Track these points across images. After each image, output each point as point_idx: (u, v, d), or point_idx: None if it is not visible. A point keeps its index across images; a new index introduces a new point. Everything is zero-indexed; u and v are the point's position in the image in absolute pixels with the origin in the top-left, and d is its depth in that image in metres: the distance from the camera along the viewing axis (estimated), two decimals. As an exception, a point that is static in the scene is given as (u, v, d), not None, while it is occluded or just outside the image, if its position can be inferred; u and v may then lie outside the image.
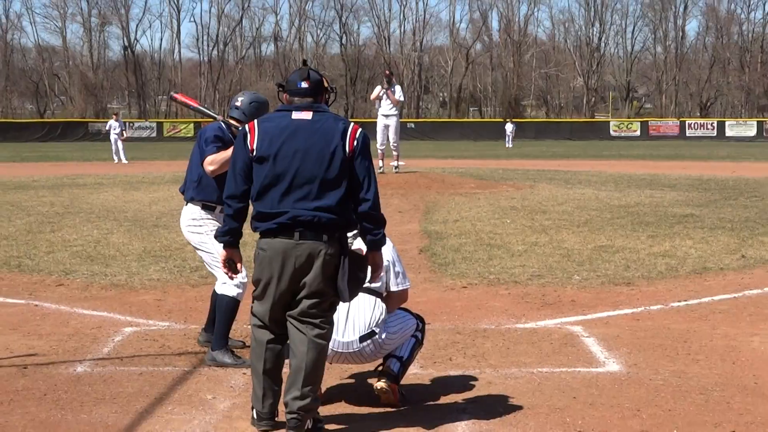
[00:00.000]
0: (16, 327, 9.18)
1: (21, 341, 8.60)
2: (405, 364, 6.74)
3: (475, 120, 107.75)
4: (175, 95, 9.21)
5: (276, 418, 6.08)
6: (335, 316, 6.16)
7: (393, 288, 6.73)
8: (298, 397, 5.81)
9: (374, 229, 5.99)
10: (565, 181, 28.82)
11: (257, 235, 5.92)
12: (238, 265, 6.15)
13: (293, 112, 5.97)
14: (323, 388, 6.79)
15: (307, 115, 5.95)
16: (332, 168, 5.83)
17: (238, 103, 8.20)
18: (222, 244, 6.14)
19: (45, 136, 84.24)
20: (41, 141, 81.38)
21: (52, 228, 16.98)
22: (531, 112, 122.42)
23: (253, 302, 6.07)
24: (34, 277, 11.99)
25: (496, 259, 13.24)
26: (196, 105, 8.58)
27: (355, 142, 5.90)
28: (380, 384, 6.58)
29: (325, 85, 6.20)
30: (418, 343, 6.87)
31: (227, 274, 6.20)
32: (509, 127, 70.98)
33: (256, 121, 6.06)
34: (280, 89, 6.22)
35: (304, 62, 6.37)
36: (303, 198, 5.82)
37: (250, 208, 6.02)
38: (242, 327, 8.92)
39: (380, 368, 6.74)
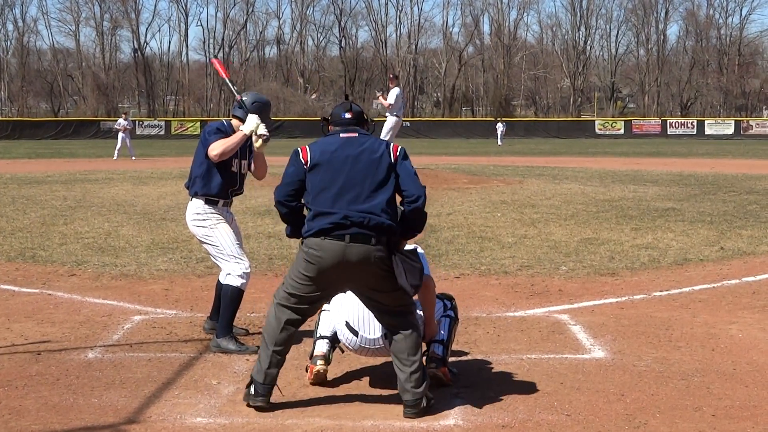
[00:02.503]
0: (30, 315, 9.15)
1: (35, 329, 8.57)
2: (447, 345, 6.82)
3: (467, 119, 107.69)
4: (214, 60, 9.17)
5: (270, 395, 6.16)
6: (359, 315, 6.46)
7: None
8: (410, 373, 6.09)
9: (418, 221, 6.26)
10: (552, 177, 28.82)
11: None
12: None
13: (341, 134, 6.33)
14: (332, 374, 6.80)
15: (354, 134, 6.34)
16: (380, 171, 6.14)
17: (242, 101, 8.15)
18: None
19: (59, 134, 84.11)
20: (55, 138, 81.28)
21: (64, 221, 16.95)
22: (520, 111, 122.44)
23: (284, 287, 6.25)
24: (47, 268, 11.96)
25: (487, 250, 13.22)
26: (226, 77, 8.52)
27: (398, 152, 6.26)
28: (431, 371, 6.62)
29: (365, 116, 6.61)
30: (454, 321, 6.96)
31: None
32: (500, 127, 70.90)
33: (307, 145, 6.36)
34: (324, 122, 6.61)
35: (346, 96, 6.90)
36: (354, 200, 6.05)
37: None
38: (245, 315, 8.90)
39: (426, 354, 6.78)
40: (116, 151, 43.73)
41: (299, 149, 6.29)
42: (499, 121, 75.60)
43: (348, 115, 6.46)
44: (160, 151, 47.86)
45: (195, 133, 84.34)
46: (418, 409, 6.02)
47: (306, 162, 6.19)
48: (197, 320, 8.91)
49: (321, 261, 6.02)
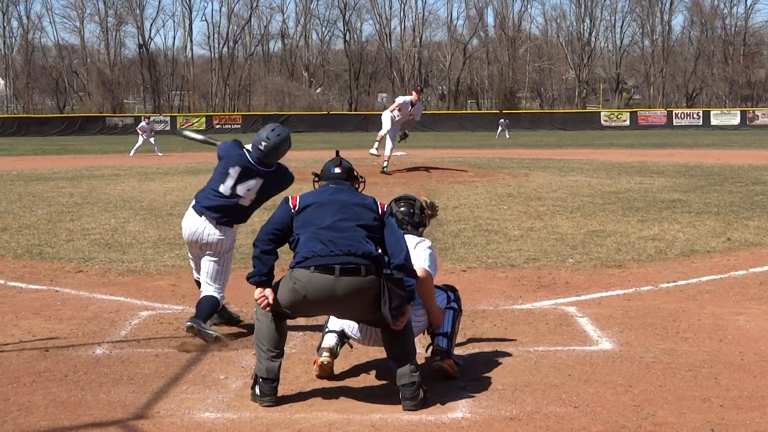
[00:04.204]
0: (38, 312, 9.16)
1: (43, 325, 8.58)
2: (451, 338, 6.84)
3: (472, 111, 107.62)
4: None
5: (277, 394, 6.19)
6: None
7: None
8: (407, 368, 6.11)
9: (407, 279, 6.28)
10: (558, 169, 28.78)
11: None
12: (270, 299, 6.27)
13: (331, 185, 6.59)
14: (339, 368, 6.80)
15: (343, 186, 6.57)
16: (367, 216, 6.30)
17: (261, 147, 7.96)
18: (254, 284, 6.36)
19: (64, 131, 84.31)
20: (61, 135, 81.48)
21: (71, 217, 16.96)
22: (525, 103, 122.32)
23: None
24: (54, 264, 11.97)
25: (493, 243, 13.21)
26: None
27: (387, 207, 6.48)
28: (436, 364, 6.66)
29: (355, 173, 6.80)
30: (458, 313, 6.99)
31: (265, 309, 6.30)
32: (502, 122, 70.58)
33: (297, 195, 6.51)
34: (316, 178, 6.85)
35: (337, 153, 6.99)
36: (341, 233, 6.14)
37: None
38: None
39: (430, 348, 6.85)
40: (134, 149, 43.90)
41: (289, 197, 6.46)
42: (503, 116, 75.44)
43: (337, 170, 6.67)
44: (166, 146, 47.82)
45: (200, 128, 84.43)
46: (417, 401, 6.03)
47: (294, 207, 6.35)
48: (204, 315, 8.91)
49: (308, 294, 6.06)
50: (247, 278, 6.35)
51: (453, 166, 28.38)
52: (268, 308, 6.24)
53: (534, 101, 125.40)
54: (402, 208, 7.24)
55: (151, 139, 44.00)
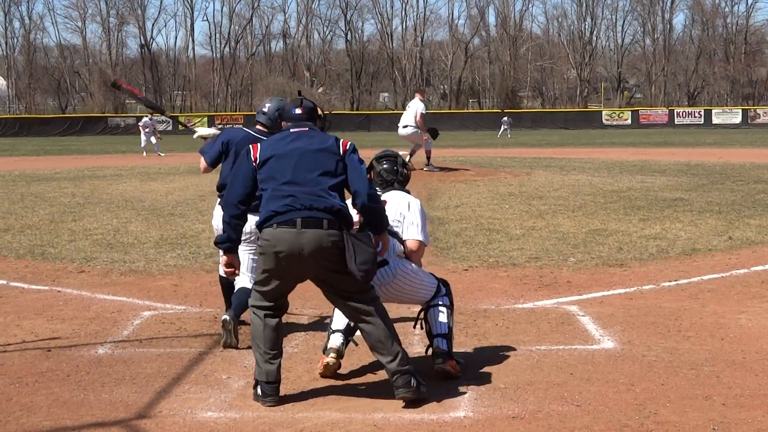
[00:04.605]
0: (40, 312, 9.17)
1: (45, 325, 8.58)
2: (449, 337, 6.84)
3: (474, 111, 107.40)
4: (120, 82, 9.25)
5: (279, 393, 6.19)
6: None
7: (404, 236, 6.90)
8: (393, 359, 6.09)
9: (374, 217, 6.24)
10: (560, 168, 28.77)
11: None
12: (237, 269, 6.40)
13: (291, 129, 6.42)
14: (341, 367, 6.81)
15: (304, 129, 6.43)
16: (328, 161, 6.17)
17: (265, 109, 8.23)
18: (222, 250, 6.47)
19: (66, 131, 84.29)
20: (63, 135, 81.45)
21: (73, 218, 16.97)
22: (527, 102, 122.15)
23: (254, 285, 6.30)
24: (57, 265, 11.97)
25: (495, 242, 13.21)
26: (142, 96, 8.58)
27: (348, 146, 6.30)
28: (438, 367, 6.67)
29: (319, 113, 6.69)
30: (450, 309, 6.98)
31: (230, 277, 6.51)
32: (506, 120, 70.44)
33: (258, 144, 6.44)
34: (279, 119, 6.87)
35: (299, 93, 6.97)
36: (302, 185, 6.06)
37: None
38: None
39: (430, 350, 6.85)
40: (144, 149, 44.07)
41: (250, 147, 6.37)
42: (505, 115, 75.41)
43: (298, 111, 6.55)
44: (168, 146, 47.78)
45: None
46: (411, 388, 6.02)
47: (255, 160, 6.26)
48: (207, 315, 8.93)
49: (276, 251, 6.00)
50: (215, 243, 6.46)
51: (455, 165, 28.37)
52: (233, 276, 6.41)
53: (535, 100, 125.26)
54: (385, 165, 7.19)
55: (153, 138, 44.00)
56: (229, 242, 6.31)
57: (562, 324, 8.41)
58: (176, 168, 31.31)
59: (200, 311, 9.16)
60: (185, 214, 17.14)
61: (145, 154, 43.30)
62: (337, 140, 6.31)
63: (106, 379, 6.79)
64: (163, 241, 13.78)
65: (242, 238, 7.44)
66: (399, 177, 7.14)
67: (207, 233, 14.37)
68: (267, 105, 8.25)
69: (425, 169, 25.20)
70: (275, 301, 6.23)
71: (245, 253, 7.98)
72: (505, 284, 10.37)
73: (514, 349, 7.50)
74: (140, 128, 45.79)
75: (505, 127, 68.83)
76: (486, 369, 6.92)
